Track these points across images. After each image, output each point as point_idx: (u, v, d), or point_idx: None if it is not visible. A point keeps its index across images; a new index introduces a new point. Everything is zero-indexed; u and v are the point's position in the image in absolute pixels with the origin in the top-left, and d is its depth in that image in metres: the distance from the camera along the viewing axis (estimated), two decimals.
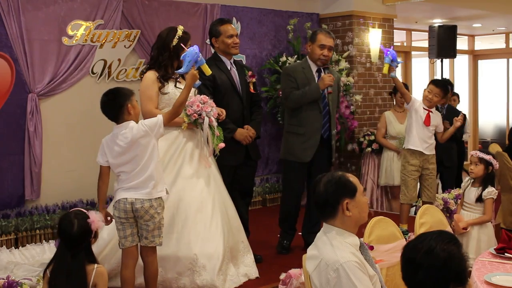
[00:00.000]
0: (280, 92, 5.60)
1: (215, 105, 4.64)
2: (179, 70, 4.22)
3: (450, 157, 7.36)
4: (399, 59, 5.59)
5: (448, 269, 2.17)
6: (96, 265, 3.34)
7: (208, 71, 4.33)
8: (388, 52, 5.50)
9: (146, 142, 3.89)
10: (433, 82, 5.86)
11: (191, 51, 4.15)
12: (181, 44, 4.50)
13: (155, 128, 3.92)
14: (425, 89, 5.80)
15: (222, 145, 4.64)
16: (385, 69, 5.56)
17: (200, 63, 4.20)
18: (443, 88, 5.81)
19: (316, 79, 5.33)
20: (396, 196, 7.51)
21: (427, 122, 5.70)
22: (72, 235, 3.30)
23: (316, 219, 5.45)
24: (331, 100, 5.39)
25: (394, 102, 7.51)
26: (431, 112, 5.76)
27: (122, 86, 4.14)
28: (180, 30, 4.60)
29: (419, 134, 5.72)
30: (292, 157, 5.37)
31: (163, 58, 4.56)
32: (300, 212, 5.56)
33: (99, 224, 3.42)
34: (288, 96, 5.28)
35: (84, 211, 3.45)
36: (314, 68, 5.37)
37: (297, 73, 5.33)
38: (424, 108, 5.73)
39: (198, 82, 4.30)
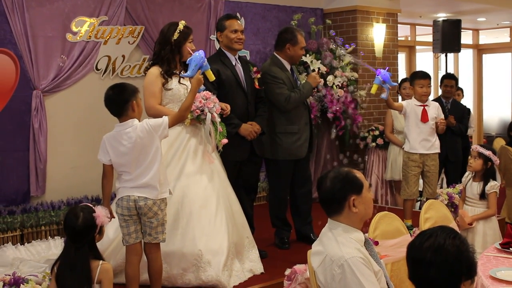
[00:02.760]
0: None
1: (218, 101, 4.64)
2: (185, 74, 4.22)
3: (455, 152, 7.35)
4: (392, 82, 5.44)
5: (460, 263, 2.18)
6: (101, 262, 3.34)
7: (212, 77, 4.33)
8: (381, 73, 5.37)
9: (149, 142, 3.87)
10: (418, 76, 5.90)
11: (197, 56, 4.13)
12: (183, 38, 4.59)
13: (159, 129, 3.89)
14: (412, 88, 5.82)
15: (225, 141, 4.65)
16: (373, 90, 5.47)
17: (204, 68, 4.18)
18: (428, 76, 5.88)
19: (294, 76, 5.47)
20: (398, 190, 7.51)
21: (424, 118, 5.69)
22: (76, 228, 3.30)
23: (306, 211, 5.55)
24: None
25: (400, 98, 7.49)
26: (427, 106, 5.75)
27: (127, 82, 4.15)
28: (181, 24, 4.62)
29: (419, 135, 5.71)
30: (290, 156, 5.39)
31: (165, 53, 4.59)
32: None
33: (104, 219, 3.42)
34: (287, 99, 5.28)
35: (91, 205, 3.45)
36: (288, 67, 5.46)
37: (281, 74, 5.37)
38: (417, 105, 5.72)
39: (203, 87, 4.31)
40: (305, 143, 5.43)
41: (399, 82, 7.68)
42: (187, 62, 4.22)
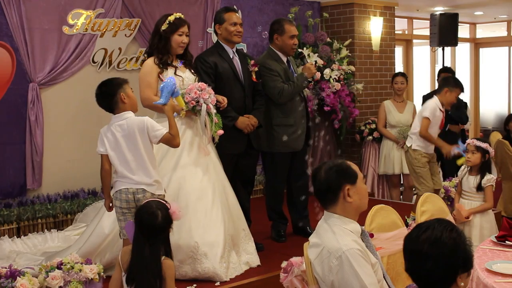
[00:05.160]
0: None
1: (213, 92, 4.62)
2: (158, 102, 4.04)
3: (451, 145, 7.36)
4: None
5: (457, 256, 2.18)
6: (163, 257, 3.23)
7: (182, 103, 4.29)
8: (461, 145, 5.31)
9: (141, 138, 3.87)
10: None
11: (169, 83, 3.98)
12: (171, 30, 4.55)
13: (153, 133, 3.88)
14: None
15: (221, 132, 4.63)
16: (461, 161, 5.40)
17: (175, 95, 4.05)
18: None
19: (290, 68, 5.43)
20: (395, 184, 7.52)
21: (442, 125, 5.77)
22: (155, 227, 3.19)
23: (302, 204, 5.55)
24: None
25: (393, 92, 7.48)
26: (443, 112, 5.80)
27: (120, 76, 4.14)
28: (173, 16, 4.60)
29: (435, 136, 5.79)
30: (287, 149, 5.38)
31: (154, 42, 4.61)
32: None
33: (180, 215, 3.34)
34: (280, 92, 5.26)
35: (163, 201, 3.36)
36: (284, 59, 5.43)
37: (276, 67, 5.34)
38: (441, 110, 5.73)
39: (175, 114, 4.21)
40: (302, 135, 5.42)
41: (392, 76, 7.65)
42: (159, 89, 4.09)
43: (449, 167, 7.45)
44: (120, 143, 3.87)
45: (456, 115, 7.29)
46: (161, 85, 4.04)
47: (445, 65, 9.54)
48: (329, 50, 7.56)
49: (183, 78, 4.62)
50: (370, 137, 7.71)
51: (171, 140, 3.97)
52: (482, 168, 4.87)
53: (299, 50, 5.86)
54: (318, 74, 7.11)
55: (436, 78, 7.85)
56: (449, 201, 6.23)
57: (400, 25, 11.09)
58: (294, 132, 5.36)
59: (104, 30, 5.97)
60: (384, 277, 2.78)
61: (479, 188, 4.84)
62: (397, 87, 7.26)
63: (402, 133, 7.13)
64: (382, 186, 7.71)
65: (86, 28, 5.86)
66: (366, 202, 2.82)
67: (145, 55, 4.76)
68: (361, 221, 2.91)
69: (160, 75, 4.54)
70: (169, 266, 3.22)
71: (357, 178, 2.76)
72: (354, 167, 2.82)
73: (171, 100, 4.01)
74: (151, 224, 3.19)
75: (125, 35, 6.14)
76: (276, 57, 5.40)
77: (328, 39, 7.73)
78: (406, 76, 7.46)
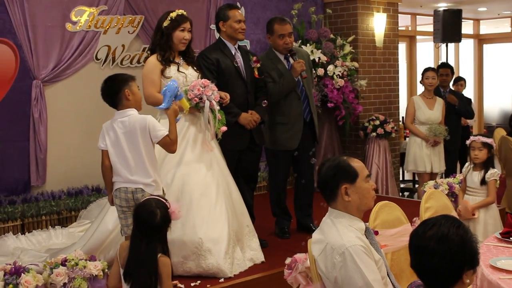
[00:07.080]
0: None
1: (216, 89, 4.62)
2: (160, 106, 4.05)
3: (454, 141, 7.35)
4: None
5: (463, 253, 2.16)
6: (159, 254, 3.23)
7: (186, 106, 4.28)
8: None
9: (143, 136, 3.86)
10: None
11: (171, 86, 3.98)
12: (172, 26, 4.54)
13: (154, 133, 3.86)
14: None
15: (224, 128, 4.62)
16: None
17: (179, 98, 4.06)
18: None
19: (286, 65, 5.36)
20: (421, 183, 7.39)
21: None
22: (153, 226, 3.20)
23: (307, 201, 5.56)
24: (306, 83, 5.43)
25: (423, 88, 7.32)
26: None
27: (123, 72, 4.14)
28: (174, 12, 4.60)
29: None
30: (279, 147, 5.39)
31: (157, 39, 4.61)
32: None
33: (179, 215, 3.34)
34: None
35: (163, 200, 3.36)
36: (281, 56, 5.39)
37: (267, 66, 5.32)
38: None
39: (179, 117, 4.16)
40: (297, 134, 5.37)
41: (422, 71, 7.41)
42: (161, 93, 4.09)
43: (450, 163, 7.43)
44: (121, 140, 3.87)
45: (462, 109, 7.27)
46: (163, 89, 4.03)
47: (448, 61, 9.53)
48: (333, 47, 7.54)
49: (186, 75, 4.62)
50: (374, 134, 7.69)
51: (168, 144, 3.94)
52: (486, 163, 4.87)
53: (301, 46, 5.81)
54: (318, 73, 7.08)
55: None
56: (453, 197, 6.22)
57: (404, 21, 11.08)
58: (288, 130, 5.34)
59: (107, 27, 5.97)
60: (387, 274, 2.77)
61: (483, 182, 4.84)
62: (428, 83, 7.07)
63: (433, 130, 6.92)
64: (386, 183, 7.69)
65: (89, 25, 5.86)
66: (368, 202, 2.78)
67: (148, 52, 4.76)
68: (365, 217, 2.90)
69: (164, 72, 4.53)
70: (165, 263, 3.23)
71: (357, 177, 2.73)
72: (356, 165, 2.76)
73: (173, 104, 3.99)
74: (149, 223, 3.20)
75: (128, 32, 6.14)
76: (272, 56, 5.39)
77: (332, 36, 7.71)
78: (436, 70, 7.29)
